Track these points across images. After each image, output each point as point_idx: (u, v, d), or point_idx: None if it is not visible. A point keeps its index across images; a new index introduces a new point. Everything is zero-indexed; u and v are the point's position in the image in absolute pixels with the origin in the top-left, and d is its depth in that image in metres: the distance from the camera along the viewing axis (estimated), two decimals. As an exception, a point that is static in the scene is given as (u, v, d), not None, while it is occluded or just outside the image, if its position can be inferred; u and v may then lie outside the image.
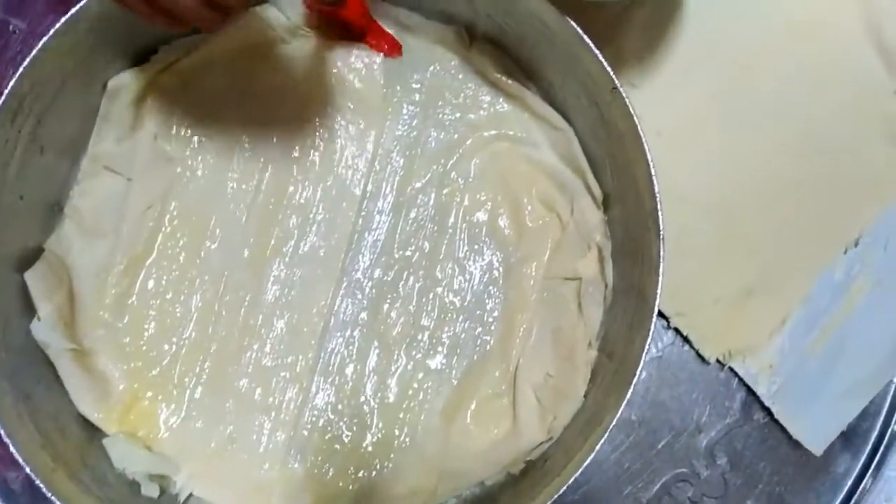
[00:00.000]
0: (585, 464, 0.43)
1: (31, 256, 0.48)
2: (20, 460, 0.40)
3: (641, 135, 0.43)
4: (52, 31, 0.45)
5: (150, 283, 0.50)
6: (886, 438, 0.54)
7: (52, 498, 0.42)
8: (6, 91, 0.44)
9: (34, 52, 0.44)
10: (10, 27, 0.53)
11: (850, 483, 0.54)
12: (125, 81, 0.50)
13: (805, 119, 0.55)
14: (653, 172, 0.43)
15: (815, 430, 0.53)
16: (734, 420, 0.54)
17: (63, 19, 0.45)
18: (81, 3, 0.45)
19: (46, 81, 0.46)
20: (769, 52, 0.55)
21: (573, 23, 0.45)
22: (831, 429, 0.53)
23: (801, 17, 0.56)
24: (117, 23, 0.47)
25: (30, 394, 0.45)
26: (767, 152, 0.55)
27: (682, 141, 0.54)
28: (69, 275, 0.49)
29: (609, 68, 0.44)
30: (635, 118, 0.44)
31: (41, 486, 0.41)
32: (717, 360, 0.54)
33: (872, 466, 0.54)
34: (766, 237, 0.54)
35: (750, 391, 0.54)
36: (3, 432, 0.41)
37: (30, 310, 0.47)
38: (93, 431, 0.48)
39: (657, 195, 0.44)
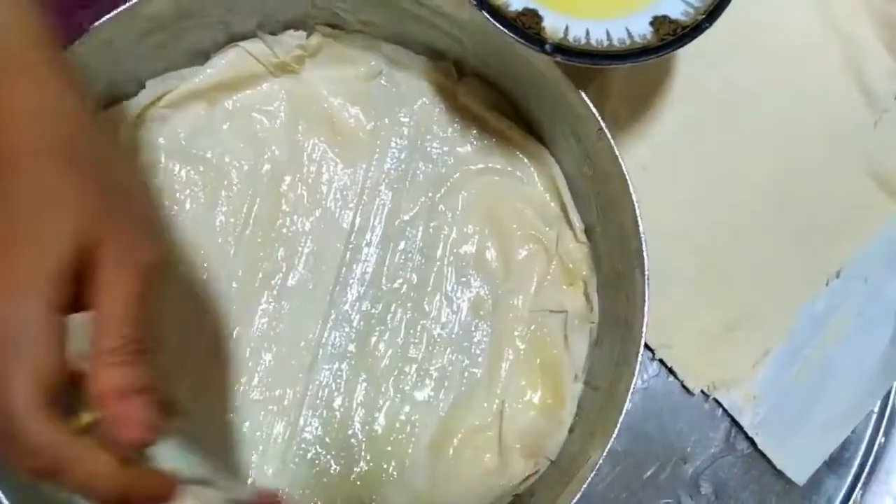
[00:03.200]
0: (574, 501, 0.43)
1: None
2: (6, 504, 0.40)
3: (627, 177, 0.44)
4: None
5: (138, 318, 0.50)
6: (868, 467, 0.55)
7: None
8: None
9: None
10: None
11: (833, 512, 0.55)
12: (113, 116, 0.49)
13: (788, 154, 0.56)
14: (638, 214, 0.44)
15: (799, 459, 0.54)
16: (719, 450, 0.54)
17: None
18: (74, 44, 0.45)
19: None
20: (752, 89, 0.56)
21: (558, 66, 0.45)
22: (814, 458, 0.54)
23: (782, 56, 0.56)
24: (105, 60, 0.47)
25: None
26: (750, 186, 0.56)
27: (668, 175, 0.55)
28: (57, 310, 0.48)
29: (595, 110, 0.44)
30: (620, 160, 0.44)
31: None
32: (702, 392, 0.54)
33: (855, 495, 0.55)
34: (748, 270, 0.55)
35: (734, 422, 0.54)
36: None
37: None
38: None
39: (642, 235, 0.44)
